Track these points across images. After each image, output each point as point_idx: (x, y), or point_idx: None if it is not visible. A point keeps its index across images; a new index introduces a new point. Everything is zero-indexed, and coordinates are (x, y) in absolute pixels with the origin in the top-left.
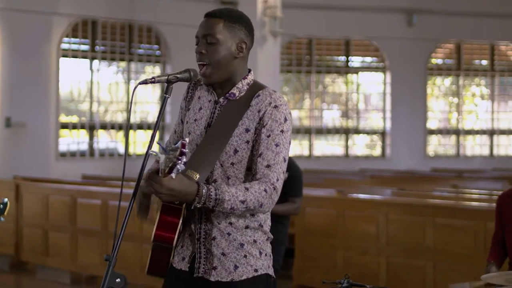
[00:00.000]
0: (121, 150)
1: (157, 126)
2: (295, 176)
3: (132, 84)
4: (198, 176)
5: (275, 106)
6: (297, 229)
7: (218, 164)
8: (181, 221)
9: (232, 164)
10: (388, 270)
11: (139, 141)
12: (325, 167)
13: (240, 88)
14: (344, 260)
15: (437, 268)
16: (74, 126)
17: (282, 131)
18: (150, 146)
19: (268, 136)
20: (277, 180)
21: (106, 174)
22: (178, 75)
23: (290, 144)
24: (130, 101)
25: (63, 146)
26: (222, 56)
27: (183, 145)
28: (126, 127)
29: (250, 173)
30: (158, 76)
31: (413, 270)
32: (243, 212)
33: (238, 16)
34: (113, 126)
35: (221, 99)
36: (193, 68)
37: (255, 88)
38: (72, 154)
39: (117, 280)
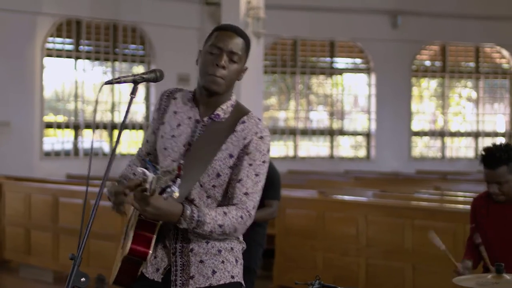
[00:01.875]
0: (106, 149)
1: (123, 126)
2: (273, 179)
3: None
4: (177, 194)
5: (261, 137)
6: (277, 230)
7: (197, 184)
8: (155, 236)
9: (214, 186)
10: (368, 271)
11: (124, 141)
12: (310, 168)
13: (224, 110)
14: (324, 261)
15: (416, 270)
16: (58, 126)
17: (263, 161)
18: (116, 146)
19: (250, 165)
20: (253, 208)
21: (91, 173)
22: (144, 76)
23: (266, 174)
24: (96, 100)
25: (47, 146)
26: (235, 77)
27: (179, 169)
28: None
29: (227, 195)
30: (124, 77)
31: (392, 271)
32: (219, 236)
33: (249, 40)
34: (98, 125)
35: (205, 119)
36: (160, 69)
37: (239, 111)
38: (57, 154)
39: (82, 280)
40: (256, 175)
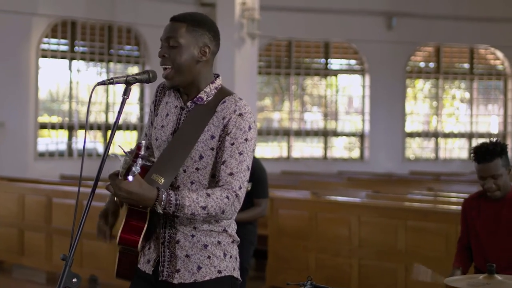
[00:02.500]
0: (101, 150)
1: (115, 126)
2: (260, 177)
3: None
4: (163, 180)
5: (240, 114)
6: (270, 231)
7: (181, 170)
8: (146, 225)
9: (197, 169)
10: (360, 272)
11: (119, 142)
12: (304, 169)
13: (208, 93)
14: (317, 262)
15: (409, 270)
16: (53, 126)
17: (246, 139)
18: (108, 147)
19: (232, 144)
20: (240, 188)
21: (85, 174)
22: (137, 77)
23: (254, 152)
24: (89, 100)
25: (41, 146)
26: (184, 60)
27: (139, 148)
28: (95, 126)
29: (214, 180)
30: (117, 77)
31: (385, 272)
32: (205, 218)
33: (202, 20)
34: (92, 126)
35: (188, 103)
36: (153, 69)
37: (222, 93)
38: (51, 154)
39: (73, 280)
40: (240, 153)
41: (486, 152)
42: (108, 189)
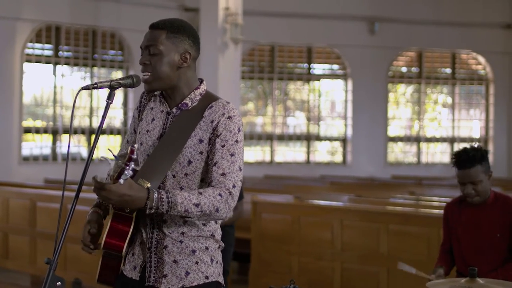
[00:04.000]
0: (85, 154)
1: (99, 131)
2: None
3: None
4: (149, 185)
5: (229, 117)
6: (253, 234)
7: (170, 175)
8: (131, 229)
9: (186, 174)
10: (343, 276)
11: (102, 146)
12: (287, 173)
13: (192, 98)
14: (300, 266)
15: (391, 274)
16: (37, 131)
17: (236, 141)
18: (92, 151)
19: (223, 146)
20: (233, 186)
21: (69, 178)
22: (120, 81)
23: (243, 153)
24: (73, 105)
25: (26, 150)
26: (165, 67)
27: (132, 151)
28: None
29: (204, 184)
30: (101, 82)
31: (367, 276)
32: (200, 217)
33: (181, 26)
34: (76, 130)
35: (174, 109)
36: (137, 74)
37: (208, 98)
38: (35, 158)
39: (57, 284)
40: (231, 155)
41: (467, 159)
42: (98, 195)
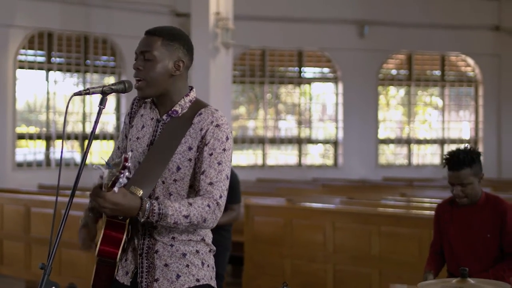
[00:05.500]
0: (78, 159)
1: (92, 136)
2: (232, 183)
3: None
4: (141, 192)
5: (217, 125)
6: (246, 238)
7: (159, 181)
8: (125, 236)
9: (175, 180)
10: (335, 277)
11: (96, 151)
12: (279, 176)
13: (182, 106)
14: (292, 268)
15: (383, 275)
16: (30, 137)
17: (224, 149)
18: (85, 157)
19: (211, 155)
20: (220, 196)
21: (63, 183)
22: (112, 87)
23: (231, 162)
24: (65, 110)
25: (19, 156)
26: (158, 73)
27: (126, 159)
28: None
29: (193, 191)
30: (93, 88)
31: (359, 277)
32: (187, 227)
33: (177, 34)
34: (69, 136)
35: (164, 117)
36: (129, 80)
37: (198, 105)
38: (29, 164)
39: None
40: (219, 163)
41: (457, 161)
42: (92, 202)
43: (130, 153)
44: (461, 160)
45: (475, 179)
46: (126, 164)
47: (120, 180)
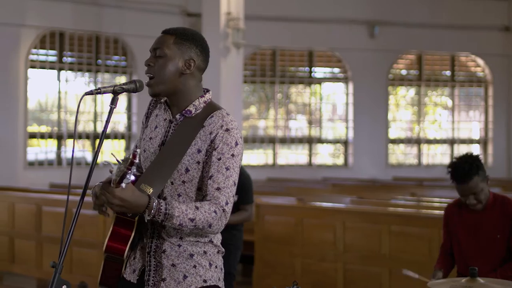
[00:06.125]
0: (89, 159)
1: (103, 135)
2: (245, 184)
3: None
4: (151, 190)
5: (227, 130)
6: (257, 237)
7: (168, 182)
8: (133, 233)
9: (183, 182)
10: (345, 276)
11: (107, 150)
12: (289, 175)
13: (196, 106)
14: (302, 267)
15: (393, 274)
16: (42, 136)
17: (232, 155)
18: (96, 156)
19: (219, 159)
20: (227, 203)
21: (74, 182)
22: (124, 86)
23: (239, 168)
24: (77, 110)
25: (31, 156)
26: (167, 70)
27: (134, 156)
28: (80, 136)
29: (201, 193)
30: (104, 87)
31: (369, 276)
32: (192, 231)
33: (191, 34)
34: (80, 135)
35: (177, 116)
36: (140, 79)
37: (211, 108)
38: (40, 163)
39: (63, 287)
40: (227, 169)
41: (463, 174)
42: (101, 197)
43: (138, 150)
44: (467, 171)
45: (484, 184)
46: (134, 160)
47: (128, 176)
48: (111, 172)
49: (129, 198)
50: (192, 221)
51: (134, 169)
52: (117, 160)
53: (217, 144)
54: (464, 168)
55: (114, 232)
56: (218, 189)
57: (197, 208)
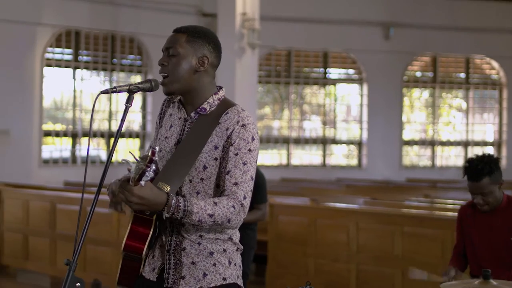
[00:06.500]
0: (104, 157)
1: (118, 134)
2: (258, 183)
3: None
4: (169, 188)
5: (243, 125)
6: (270, 237)
7: (186, 180)
8: (151, 232)
9: (202, 179)
10: (358, 277)
11: (121, 149)
12: (303, 176)
13: (210, 103)
14: (316, 267)
15: (406, 275)
16: (57, 134)
17: (249, 150)
18: (111, 154)
19: (236, 155)
20: (245, 198)
21: (88, 180)
22: (139, 85)
23: (256, 163)
24: (92, 108)
25: (46, 153)
26: (181, 69)
27: (153, 153)
28: (97, 134)
29: (219, 190)
30: (120, 86)
31: (382, 277)
32: (211, 226)
33: (203, 32)
34: (95, 134)
35: (192, 114)
36: (155, 78)
37: (225, 105)
38: (55, 161)
39: (77, 284)
40: (244, 164)
41: (475, 172)
42: (118, 195)
43: (157, 148)
44: (479, 171)
45: (495, 187)
46: (154, 158)
47: (147, 173)
48: (129, 170)
49: (148, 196)
50: (211, 216)
51: (153, 167)
52: (135, 158)
53: (233, 139)
54: (478, 167)
55: (132, 231)
56: (235, 184)
57: (215, 203)
